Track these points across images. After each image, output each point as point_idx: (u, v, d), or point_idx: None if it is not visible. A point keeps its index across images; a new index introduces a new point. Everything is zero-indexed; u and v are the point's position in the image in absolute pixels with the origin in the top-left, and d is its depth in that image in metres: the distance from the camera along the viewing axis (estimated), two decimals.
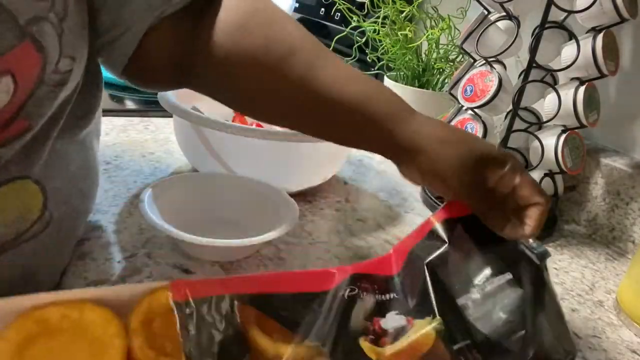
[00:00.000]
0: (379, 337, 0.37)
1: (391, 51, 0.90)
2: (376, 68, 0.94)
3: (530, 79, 0.64)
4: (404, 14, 0.88)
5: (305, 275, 0.40)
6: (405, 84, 0.91)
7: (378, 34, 0.90)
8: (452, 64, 0.90)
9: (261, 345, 0.35)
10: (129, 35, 0.40)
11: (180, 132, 0.68)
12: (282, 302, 0.38)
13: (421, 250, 0.41)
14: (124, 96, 0.97)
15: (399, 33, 0.88)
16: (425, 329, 0.37)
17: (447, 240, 0.41)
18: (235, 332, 0.35)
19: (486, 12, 0.69)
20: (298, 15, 1.34)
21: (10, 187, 0.37)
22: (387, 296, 0.40)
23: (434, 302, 0.38)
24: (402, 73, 0.92)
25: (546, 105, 0.67)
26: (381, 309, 0.39)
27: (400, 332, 0.38)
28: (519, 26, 0.65)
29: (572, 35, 0.66)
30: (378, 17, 0.89)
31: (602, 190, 0.71)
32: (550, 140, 0.66)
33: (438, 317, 0.38)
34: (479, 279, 0.39)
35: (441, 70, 0.91)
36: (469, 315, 0.37)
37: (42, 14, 0.33)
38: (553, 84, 0.69)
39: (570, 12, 0.62)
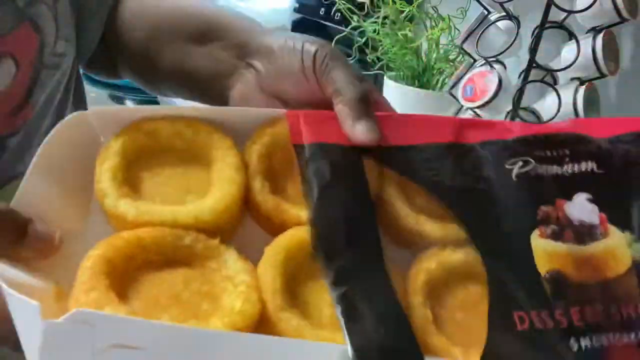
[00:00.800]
0: (562, 230, 0.27)
1: (391, 51, 0.90)
2: (376, 68, 0.94)
3: (530, 79, 0.64)
4: (404, 14, 0.88)
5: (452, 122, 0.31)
6: (405, 84, 0.91)
7: (378, 34, 0.90)
8: (452, 64, 0.90)
9: (395, 209, 0.28)
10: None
11: None
12: (424, 157, 0.29)
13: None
14: (124, 96, 0.97)
15: (399, 33, 0.88)
16: (621, 247, 0.27)
17: None
18: (363, 193, 0.27)
19: (486, 12, 0.69)
20: (298, 16, 1.34)
21: (15, 185, 0.37)
22: (583, 166, 0.29)
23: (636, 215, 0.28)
24: (402, 73, 0.92)
25: (546, 105, 0.67)
26: (570, 187, 0.28)
27: (587, 232, 0.27)
28: (519, 26, 0.65)
29: (572, 35, 0.66)
30: (378, 17, 0.89)
31: None
32: None
33: None
34: None
35: (441, 70, 0.91)
36: None
37: None
38: (553, 84, 0.69)
39: (570, 12, 0.62)
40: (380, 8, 0.89)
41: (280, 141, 0.30)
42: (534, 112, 0.70)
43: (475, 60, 0.71)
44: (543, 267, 0.26)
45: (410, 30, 0.88)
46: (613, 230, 0.27)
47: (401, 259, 0.27)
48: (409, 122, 0.31)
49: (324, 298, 0.26)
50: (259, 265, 0.26)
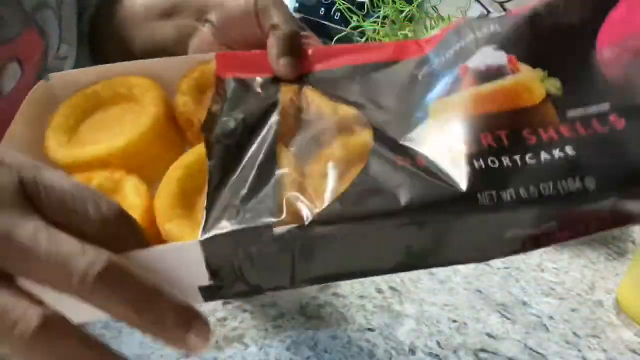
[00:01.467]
0: (460, 83, 0.28)
1: None
2: None
3: None
4: (404, 14, 0.88)
5: (372, 47, 0.34)
6: None
7: (378, 34, 0.90)
8: None
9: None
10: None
11: None
12: (341, 80, 0.32)
13: None
14: None
15: (399, 33, 0.88)
16: (534, 81, 0.27)
17: None
18: (271, 103, 0.31)
19: (486, 12, 0.69)
20: (298, 16, 1.34)
21: None
22: (485, 30, 0.30)
23: (554, 51, 0.28)
24: None
25: None
26: (467, 53, 0.30)
27: (494, 73, 0.28)
28: None
29: None
30: (378, 17, 0.89)
31: None
32: None
33: (556, 78, 0.27)
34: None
35: None
36: (613, 76, 0.26)
37: (45, 1, 0.34)
38: None
39: None
40: (380, 8, 0.89)
41: (210, 76, 0.33)
42: None
43: None
44: (437, 118, 0.27)
45: (410, 30, 0.88)
46: (524, 67, 0.28)
47: (304, 152, 0.29)
48: (329, 50, 0.34)
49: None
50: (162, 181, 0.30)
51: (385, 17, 0.89)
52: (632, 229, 0.68)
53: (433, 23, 0.91)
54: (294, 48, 0.33)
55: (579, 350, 0.48)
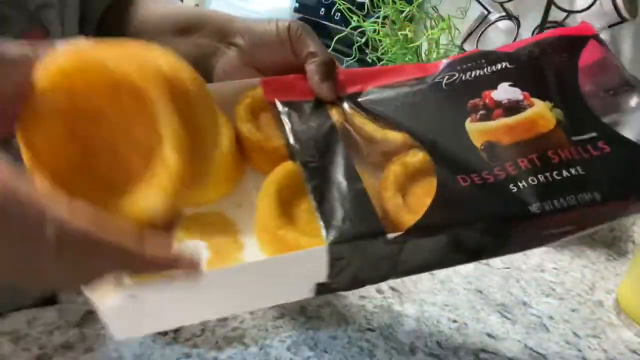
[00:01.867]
0: (490, 112, 0.36)
1: (391, 51, 0.90)
2: None
3: None
4: (404, 14, 0.88)
5: (402, 68, 0.40)
6: None
7: (378, 34, 0.90)
8: None
9: (360, 129, 0.36)
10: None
11: None
12: (379, 101, 0.38)
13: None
14: None
15: (399, 33, 0.88)
16: (546, 111, 0.35)
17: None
18: (330, 126, 0.36)
19: (486, 12, 0.69)
20: (298, 16, 1.34)
21: None
22: (499, 66, 0.38)
23: (552, 88, 0.37)
24: None
25: None
26: (491, 82, 0.37)
27: (515, 107, 0.36)
28: (519, 26, 0.65)
29: None
30: (378, 17, 0.89)
31: None
32: None
33: (559, 109, 0.36)
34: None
35: None
36: (595, 109, 0.36)
37: (49, 1, 0.34)
38: None
39: (570, 12, 0.62)
40: (380, 8, 0.89)
41: (259, 102, 0.37)
42: None
43: None
44: (478, 142, 0.35)
45: (410, 30, 0.88)
46: (537, 101, 0.36)
47: (370, 170, 0.35)
48: (358, 73, 0.40)
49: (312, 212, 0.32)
50: (257, 197, 0.33)
51: (385, 17, 0.89)
52: (632, 229, 0.68)
53: (433, 23, 0.91)
54: (332, 72, 0.38)
55: (579, 350, 0.48)
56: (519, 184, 0.33)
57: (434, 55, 0.90)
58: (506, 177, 0.33)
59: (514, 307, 0.53)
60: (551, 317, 0.52)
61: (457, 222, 0.32)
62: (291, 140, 0.35)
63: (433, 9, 0.91)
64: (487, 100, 0.36)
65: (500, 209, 0.33)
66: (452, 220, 0.32)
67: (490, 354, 0.46)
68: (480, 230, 0.33)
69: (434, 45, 0.89)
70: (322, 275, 0.31)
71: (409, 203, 0.33)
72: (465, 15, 0.87)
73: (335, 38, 0.93)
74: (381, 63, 0.93)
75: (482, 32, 0.68)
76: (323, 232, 0.30)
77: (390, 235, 0.31)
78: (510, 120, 0.35)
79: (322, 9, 1.27)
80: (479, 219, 0.32)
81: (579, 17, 0.64)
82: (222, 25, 0.41)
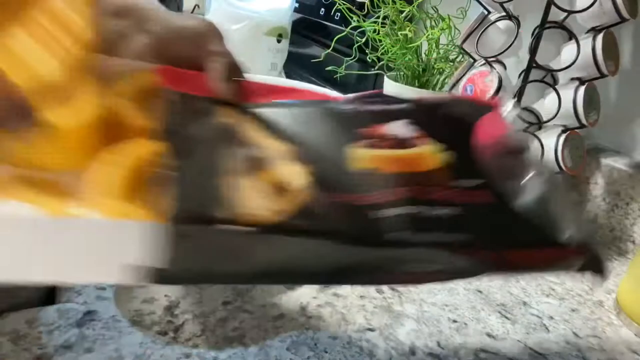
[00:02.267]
0: (379, 142, 0.37)
1: (391, 51, 0.90)
2: (376, 68, 0.94)
3: (530, 79, 0.64)
4: (404, 14, 0.88)
5: (308, 92, 0.42)
6: (405, 84, 0.91)
7: (378, 34, 0.90)
8: (452, 64, 0.90)
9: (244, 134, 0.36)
10: None
11: None
12: (272, 114, 0.38)
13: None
14: None
15: (399, 33, 0.88)
16: (433, 152, 0.36)
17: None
18: (214, 122, 0.36)
19: (486, 12, 0.69)
20: (298, 16, 1.34)
21: None
22: (403, 105, 0.40)
23: (449, 135, 0.38)
24: (402, 73, 0.92)
25: (546, 105, 0.67)
26: (389, 116, 0.38)
27: (406, 143, 0.37)
28: (519, 26, 0.65)
29: (572, 35, 0.66)
30: (378, 17, 0.89)
31: (602, 191, 0.71)
32: (550, 140, 0.66)
33: (449, 152, 0.36)
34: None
35: (441, 70, 0.90)
36: (488, 164, 0.37)
37: None
38: (553, 84, 0.69)
39: (570, 12, 0.62)
40: (380, 8, 0.89)
41: (148, 84, 0.37)
42: (533, 112, 0.71)
43: (475, 60, 0.71)
44: (359, 166, 0.35)
45: (410, 30, 0.88)
46: (428, 141, 0.37)
47: (240, 170, 0.34)
48: (261, 87, 0.41)
49: None
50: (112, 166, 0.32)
51: (385, 17, 0.89)
52: (632, 229, 0.68)
53: (433, 23, 0.91)
54: (236, 75, 0.39)
55: (579, 350, 0.48)
56: (386, 212, 0.33)
57: (434, 55, 0.90)
58: (375, 204, 0.33)
59: (514, 307, 0.53)
60: (551, 317, 0.52)
61: (313, 229, 0.31)
62: (166, 125, 0.35)
63: (433, 9, 0.91)
64: (379, 131, 0.37)
65: (355, 230, 0.32)
66: (308, 227, 0.31)
67: (490, 354, 0.46)
68: (330, 246, 0.31)
69: (434, 45, 0.89)
70: (158, 258, 0.29)
71: (270, 206, 0.32)
72: (465, 15, 0.87)
73: (335, 38, 0.93)
74: (381, 63, 0.93)
75: (482, 32, 0.68)
76: (168, 212, 0.29)
77: (239, 227, 0.30)
78: (395, 152, 0.36)
79: (322, 9, 1.27)
80: (331, 234, 0.31)
81: (579, 17, 0.64)
82: (143, 13, 0.42)
